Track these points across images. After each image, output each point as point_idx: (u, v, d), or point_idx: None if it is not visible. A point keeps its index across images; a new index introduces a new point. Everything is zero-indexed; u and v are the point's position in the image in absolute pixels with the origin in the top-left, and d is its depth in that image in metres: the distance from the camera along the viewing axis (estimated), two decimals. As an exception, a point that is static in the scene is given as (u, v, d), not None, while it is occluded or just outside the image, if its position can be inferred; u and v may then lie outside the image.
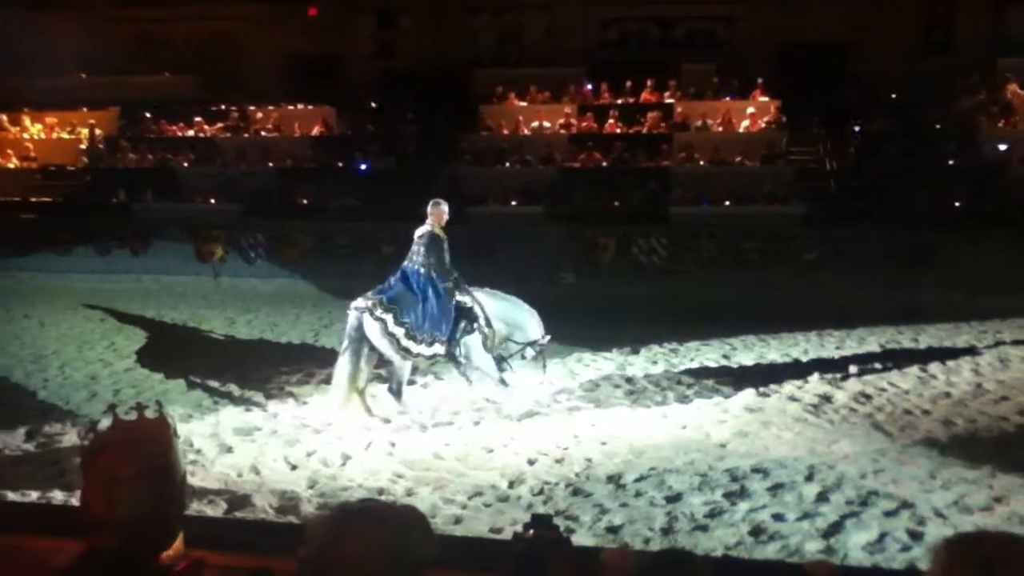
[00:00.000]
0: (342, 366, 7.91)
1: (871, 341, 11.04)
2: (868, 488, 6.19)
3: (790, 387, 8.85)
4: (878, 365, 9.83)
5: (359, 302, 7.97)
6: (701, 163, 17.10)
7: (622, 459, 6.83)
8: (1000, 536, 1.88)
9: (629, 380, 9.20)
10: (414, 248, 8.24)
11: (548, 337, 8.55)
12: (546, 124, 18.72)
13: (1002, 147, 16.33)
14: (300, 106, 20.52)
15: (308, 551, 1.94)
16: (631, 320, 11.86)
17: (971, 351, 10.56)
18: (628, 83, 18.62)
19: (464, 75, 19.82)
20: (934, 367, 9.68)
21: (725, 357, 10.31)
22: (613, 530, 5.55)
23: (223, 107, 20.54)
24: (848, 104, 17.59)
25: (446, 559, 2.15)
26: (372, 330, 7.81)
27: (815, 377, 9.20)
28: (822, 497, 6.06)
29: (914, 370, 9.57)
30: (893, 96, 17.85)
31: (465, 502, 5.93)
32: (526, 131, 18.56)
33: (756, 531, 5.54)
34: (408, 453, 6.96)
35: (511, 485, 6.27)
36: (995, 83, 17.39)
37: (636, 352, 10.36)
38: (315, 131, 19.71)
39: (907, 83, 17.52)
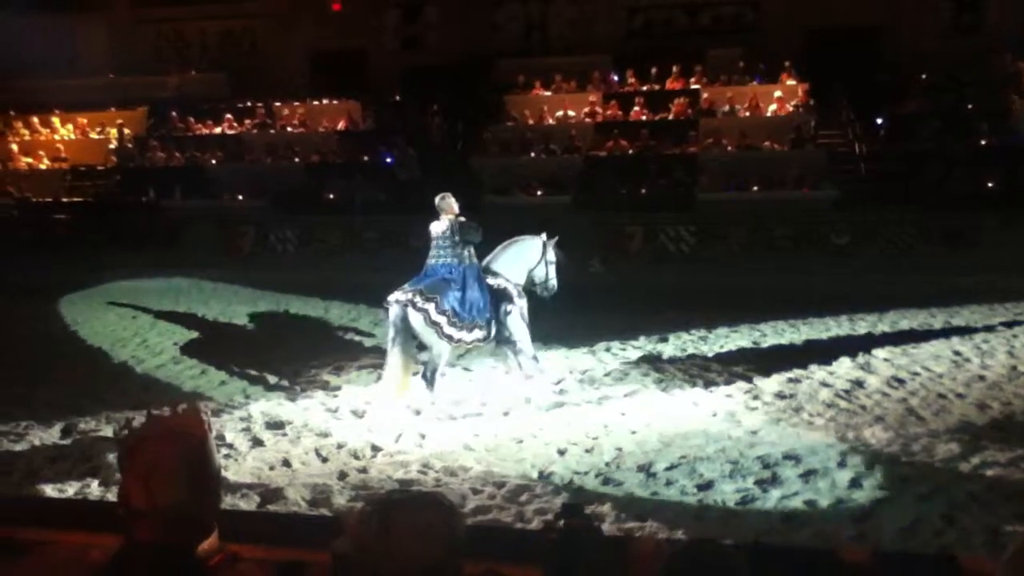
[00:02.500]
0: (393, 359, 8.04)
1: (903, 325, 10.92)
2: (901, 473, 6.14)
3: (821, 373, 8.78)
4: (911, 349, 9.72)
5: (398, 295, 8.04)
6: (728, 148, 16.97)
7: (652, 448, 6.82)
8: None
9: (658, 368, 9.17)
10: (439, 243, 8.31)
11: (551, 240, 8.77)
12: (571, 113, 18.67)
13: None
14: (325, 101, 20.63)
15: (350, 544, 1.97)
16: (659, 308, 11.81)
17: (1006, 333, 10.42)
18: (654, 70, 18.50)
19: (489, 66, 19.80)
20: (968, 350, 9.57)
21: (755, 343, 10.24)
22: (643, 519, 5.54)
23: (249, 104, 20.69)
24: (878, 87, 17.35)
25: (477, 550, 2.16)
26: (416, 320, 7.94)
27: (847, 362, 9.12)
28: (855, 483, 6.01)
29: (948, 353, 9.46)
30: (924, 77, 17.59)
31: (495, 492, 5.94)
32: (551, 120, 18.53)
33: (788, 518, 5.51)
34: (438, 444, 7.00)
35: (541, 475, 6.28)
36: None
37: (665, 340, 10.33)
38: (340, 126, 19.80)
39: (938, 64, 17.25)
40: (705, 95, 17.98)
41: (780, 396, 8.12)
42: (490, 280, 8.37)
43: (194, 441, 2.08)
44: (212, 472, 2.11)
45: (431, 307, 7.95)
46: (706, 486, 6.03)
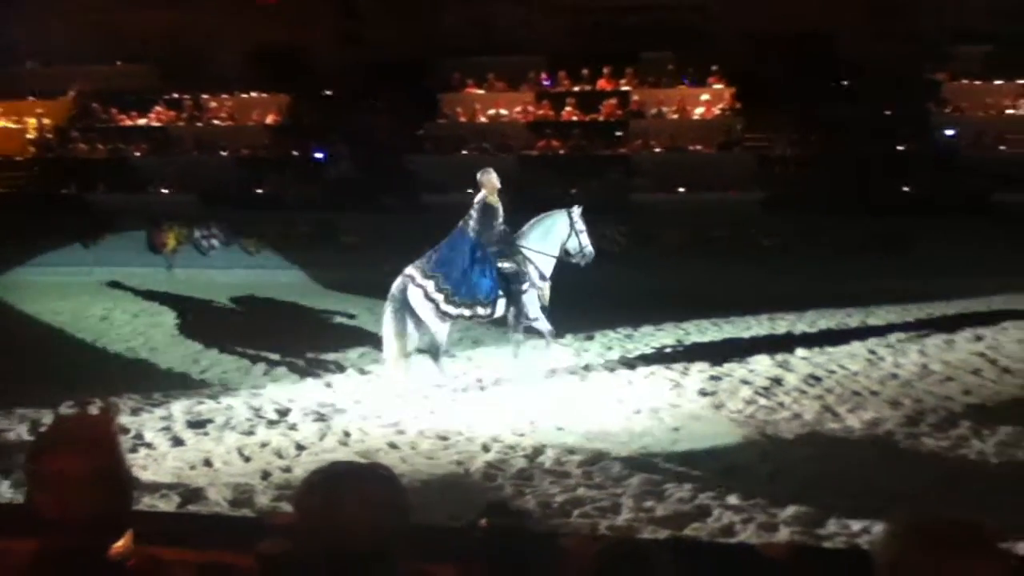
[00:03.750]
0: (387, 329, 8.35)
1: (821, 324, 11.25)
2: (817, 470, 6.35)
3: (742, 371, 9.00)
4: (828, 348, 10.03)
5: (408, 269, 8.37)
6: (657, 150, 17.22)
7: (576, 444, 6.93)
8: (949, 519, 1.94)
9: (585, 366, 9.31)
10: (470, 212, 8.59)
11: (577, 210, 9.03)
12: (503, 112, 18.73)
13: (949, 132, 16.66)
14: (255, 94, 20.31)
15: (304, 517, 1.99)
16: (586, 307, 11.93)
17: (918, 333, 10.81)
18: (585, 71, 18.67)
19: (426, 64, 19.73)
20: (882, 349, 9.90)
21: (679, 342, 10.45)
22: (567, 515, 5.64)
23: (177, 96, 20.26)
24: (808, 91, 17.75)
25: (402, 550, 2.20)
26: (415, 296, 8.25)
27: (766, 360, 9.38)
28: (772, 478, 6.21)
29: (863, 352, 9.78)
30: (853, 83, 18.06)
31: (419, 489, 5.98)
32: (483, 119, 18.57)
33: (707, 513, 5.66)
34: (362, 443, 7.00)
35: (466, 473, 6.34)
36: (947, 71, 17.75)
37: (591, 338, 10.47)
38: (271, 120, 19.53)
39: (867, 71, 17.73)
40: (635, 97, 18.22)
41: (702, 393, 8.31)
42: (503, 263, 8.58)
43: (102, 445, 2.07)
44: (122, 475, 2.11)
45: (430, 284, 8.29)
46: (627, 482, 6.15)
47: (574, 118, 18.09)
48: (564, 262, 9.06)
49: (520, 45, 19.27)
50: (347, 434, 7.19)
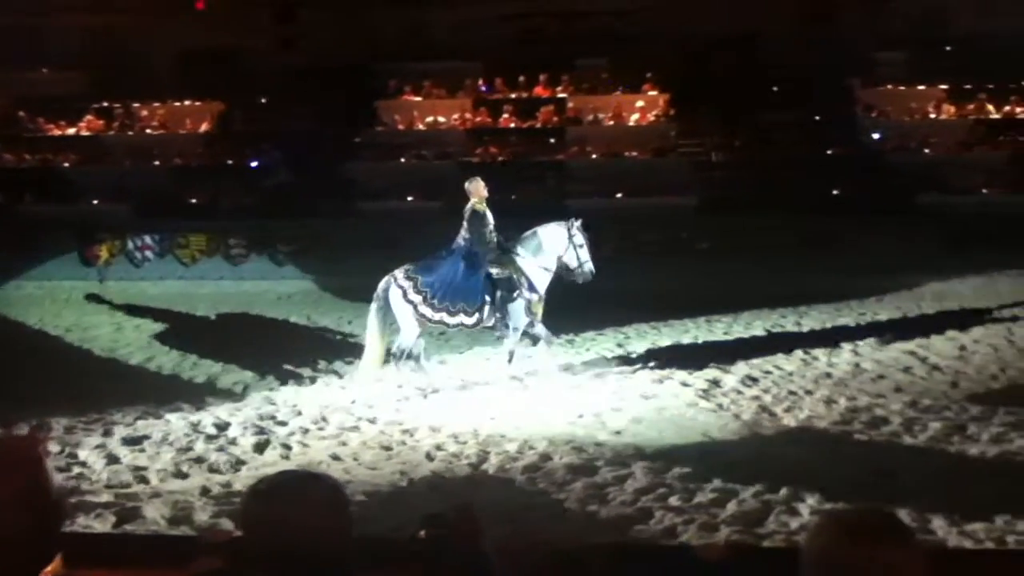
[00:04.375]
0: (370, 329, 8.50)
1: (757, 326, 11.47)
2: (756, 469, 6.47)
3: (682, 373, 9.12)
4: (764, 349, 10.23)
5: (397, 270, 8.47)
6: (594, 156, 17.38)
7: (519, 450, 6.96)
8: (867, 510, 2.00)
9: (528, 372, 9.33)
10: (462, 223, 8.63)
11: (576, 223, 8.97)
12: (441, 119, 18.72)
13: (875, 136, 17.13)
14: (188, 102, 19.96)
15: (249, 528, 1.96)
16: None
17: (851, 332, 11.08)
18: (522, 78, 18.77)
19: (363, 71, 19.61)
20: (816, 349, 10.13)
21: (619, 346, 10.55)
22: (512, 521, 5.64)
23: (107, 104, 19.80)
24: (739, 96, 18.08)
25: (352, 560, 2.18)
26: (394, 296, 8.35)
27: (705, 362, 9.52)
28: (710, 479, 6.31)
29: (798, 352, 9.99)
30: (782, 88, 18.44)
31: (363, 500, 5.94)
32: (421, 126, 18.54)
33: (649, 516, 5.73)
34: (303, 456, 6.93)
35: (411, 482, 6.31)
36: (869, 76, 18.24)
37: (533, 343, 10.50)
38: (204, 128, 19.22)
39: (796, 76, 18.12)
40: (571, 104, 18.37)
41: (644, 397, 8.41)
42: (495, 269, 8.58)
43: (26, 467, 2.02)
44: (49, 498, 2.05)
45: (409, 285, 8.36)
46: (569, 486, 6.20)
47: (512, 125, 18.17)
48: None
49: (456, 52, 19.27)
50: (287, 447, 7.11)
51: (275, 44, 20.28)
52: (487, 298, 8.50)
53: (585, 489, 6.13)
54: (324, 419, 7.81)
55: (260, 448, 7.07)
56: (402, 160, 17.80)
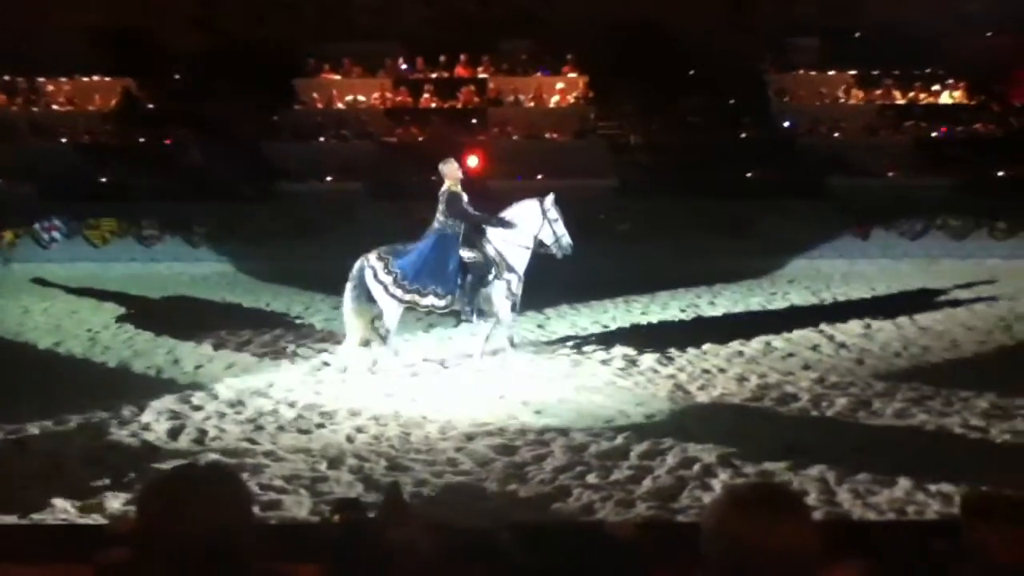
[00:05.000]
0: (346, 309, 8.61)
1: (673, 306, 11.74)
2: (669, 445, 6.64)
3: (600, 353, 9.29)
4: (679, 328, 10.48)
5: (370, 252, 8.54)
6: (515, 138, 17.44)
7: (440, 430, 6.99)
8: (769, 486, 2.09)
9: (449, 354, 9.37)
10: (437, 206, 8.61)
11: (549, 198, 8.90)
12: (361, 98, 18.52)
13: (786, 124, 17.57)
14: (96, 78, 19.29)
15: (147, 521, 1.94)
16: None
17: (762, 312, 11.45)
18: (442, 58, 18.67)
19: (281, 49, 19.21)
20: (729, 328, 10.41)
21: (540, 327, 10.66)
22: (433, 502, 5.69)
23: (8, 78, 19.00)
24: (658, 80, 18.32)
25: (262, 548, 2.18)
26: (368, 276, 8.45)
27: (622, 342, 9.71)
28: (626, 455, 6.45)
29: (712, 331, 10.26)
30: (699, 72, 18.75)
31: (283, 486, 5.90)
32: (341, 105, 18.31)
33: (567, 494, 5.83)
34: (221, 441, 6.83)
35: (331, 465, 6.28)
36: (782, 61, 18.72)
37: (454, 325, 10.53)
38: (114, 104, 18.61)
39: (713, 60, 18.45)
40: (492, 85, 18.38)
41: (563, 376, 8.53)
42: (467, 252, 8.58)
43: None
44: None
45: (380, 265, 8.42)
46: (489, 465, 6.26)
47: (432, 105, 18.08)
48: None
49: (376, 31, 19.05)
50: (203, 432, 7.00)
51: (189, 20, 19.69)
52: (458, 281, 8.53)
53: (505, 469, 6.20)
54: (241, 403, 7.70)
55: (174, 434, 6.93)
56: (321, 140, 17.56)
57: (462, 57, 18.62)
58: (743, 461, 6.32)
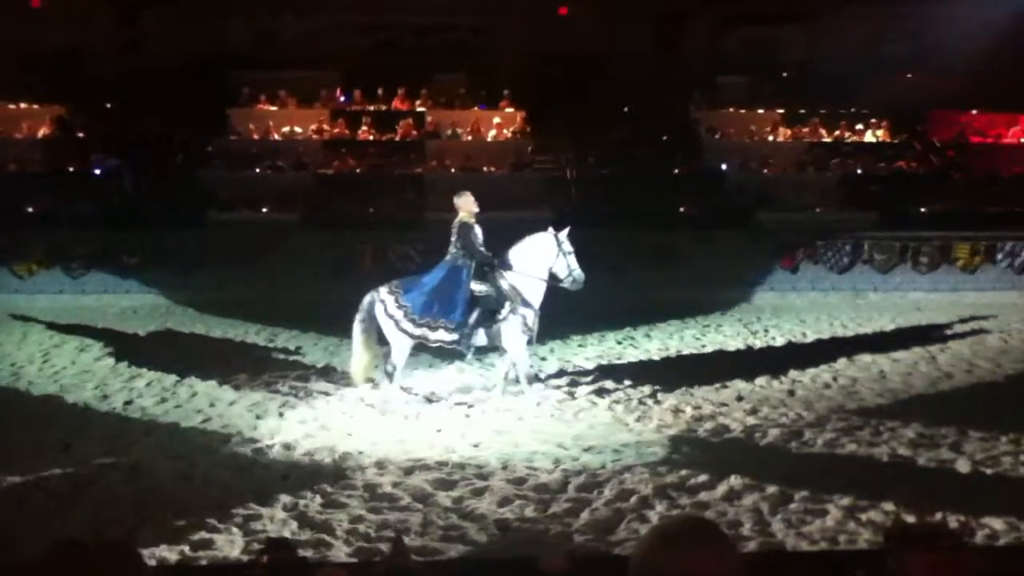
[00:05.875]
0: (355, 341, 8.57)
1: (609, 338, 11.87)
2: (606, 477, 6.70)
3: (537, 385, 9.29)
4: (615, 360, 10.60)
5: (380, 286, 8.53)
6: (452, 171, 17.52)
7: (377, 465, 6.94)
8: (694, 520, 2.13)
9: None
10: (450, 238, 8.59)
11: (562, 231, 8.91)
12: (298, 129, 18.41)
13: (717, 156, 17.97)
14: (24, 105, 18.83)
15: None
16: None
17: (696, 344, 11.64)
18: (380, 90, 18.71)
19: (215, 76, 19.00)
20: (663, 359, 10.57)
21: (478, 360, 10.66)
22: (368, 540, 5.63)
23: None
24: (593, 116, 18.60)
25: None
26: (378, 310, 8.43)
27: (559, 375, 9.79)
28: (564, 488, 6.49)
29: (646, 363, 10.40)
30: (633, 108, 19.09)
31: (215, 525, 5.79)
32: (277, 136, 18.17)
33: (503, 527, 5.83)
34: (152, 479, 6.67)
35: (263, 503, 6.18)
36: (713, 98, 19.21)
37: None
38: (43, 132, 18.18)
39: (645, 97, 18.82)
40: (430, 118, 18.46)
41: (500, 410, 8.53)
42: (478, 286, 8.50)
43: None
44: None
45: (391, 299, 8.38)
46: (427, 499, 6.25)
47: (371, 137, 18.07)
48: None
49: (310, 61, 19.00)
50: (135, 469, 6.83)
51: (120, 46, 19.39)
52: (470, 318, 8.44)
53: (444, 503, 6.18)
54: (173, 437, 7.55)
55: (104, 472, 6.75)
56: (256, 170, 17.38)
57: (400, 90, 18.68)
58: (679, 492, 6.41)
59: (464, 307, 8.45)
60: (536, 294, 8.70)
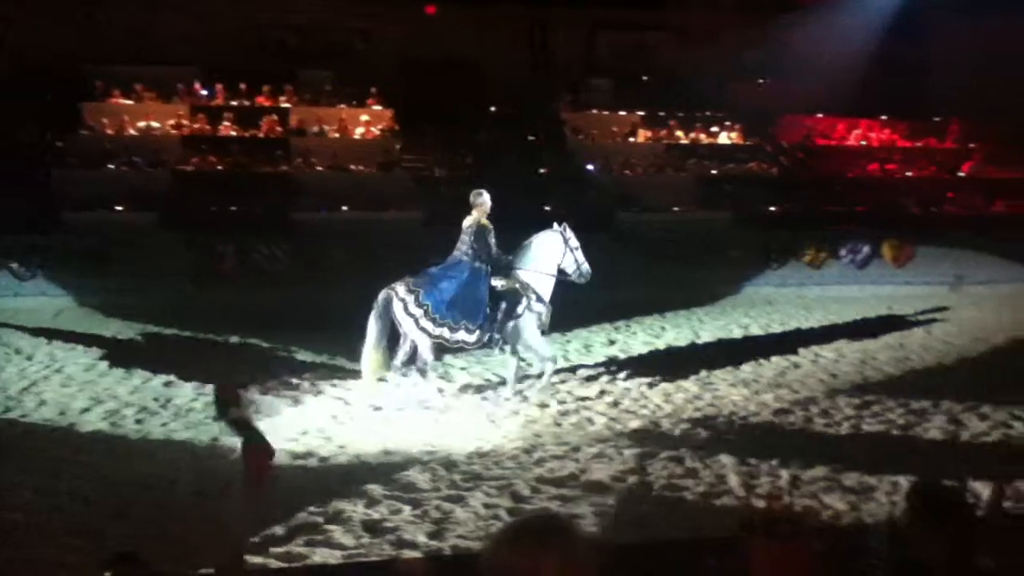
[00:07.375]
0: (368, 338, 8.46)
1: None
2: (473, 471, 6.87)
3: (439, 382, 9.34)
4: (484, 358, 10.69)
5: (397, 282, 8.45)
6: (319, 169, 17.27)
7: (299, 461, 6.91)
8: (544, 517, 2.20)
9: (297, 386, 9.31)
10: (462, 237, 8.65)
11: (566, 227, 9.13)
12: (155, 124, 17.69)
13: (582, 157, 18.41)
14: None
15: None
16: (255, 332, 11.72)
17: (558, 345, 11.87)
18: (243, 86, 18.19)
19: (74, 73, 18.01)
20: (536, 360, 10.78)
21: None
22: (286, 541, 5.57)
23: None
24: (463, 116, 18.69)
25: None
26: (397, 309, 8.38)
27: (433, 376, 9.84)
28: (435, 488, 6.60)
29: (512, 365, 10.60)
30: (501, 109, 19.30)
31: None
32: (132, 131, 17.41)
33: (374, 528, 5.88)
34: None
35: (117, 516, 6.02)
36: (580, 101, 19.67)
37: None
38: None
39: (516, 98, 19.05)
40: (295, 115, 18.06)
41: (374, 408, 8.58)
42: (499, 281, 8.55)
43: None
44: None
45: (410, 298, 8.34)
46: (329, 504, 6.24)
47: (232, 133, 17.56)
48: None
49: (179, 57, 18.31)
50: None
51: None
52: (487, 313, 8.51)
53: (342, 506, 6.18)
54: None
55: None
56: (110, 167, 16.63)
57: (265, 87, 18.22)
58: (548, 490, 6.61)
59: (485, 307, 8.58)
60: (547, 290, 8.98)
